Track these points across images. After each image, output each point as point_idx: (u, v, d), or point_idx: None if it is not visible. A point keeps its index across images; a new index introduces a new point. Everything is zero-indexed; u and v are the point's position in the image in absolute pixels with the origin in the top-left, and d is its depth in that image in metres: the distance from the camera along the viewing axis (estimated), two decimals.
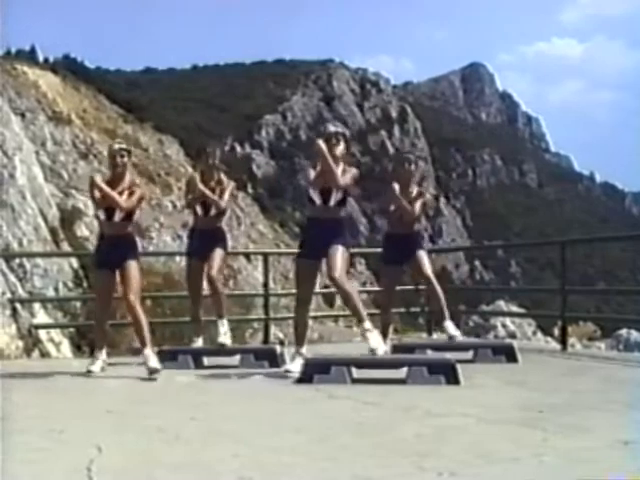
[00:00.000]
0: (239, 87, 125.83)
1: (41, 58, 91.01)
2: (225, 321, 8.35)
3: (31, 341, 10.68)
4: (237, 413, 5.40)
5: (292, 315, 7.82)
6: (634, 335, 16.91)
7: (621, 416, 5.01)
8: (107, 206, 7.79)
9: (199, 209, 8.57)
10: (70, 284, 13.19)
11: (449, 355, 6.93)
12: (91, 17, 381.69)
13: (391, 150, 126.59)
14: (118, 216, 7.82)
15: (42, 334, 11.16)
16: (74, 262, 13.64)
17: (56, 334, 11.66)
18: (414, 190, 8.84)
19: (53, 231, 13.97)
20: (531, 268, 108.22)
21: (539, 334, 21.37)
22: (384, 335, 8.82)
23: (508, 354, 8.07)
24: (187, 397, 6.31)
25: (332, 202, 7.35)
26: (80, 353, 11.44)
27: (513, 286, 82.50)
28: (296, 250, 7.92)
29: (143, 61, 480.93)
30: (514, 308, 20.51)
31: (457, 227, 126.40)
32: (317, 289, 8.81)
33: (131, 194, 7.90)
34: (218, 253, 8.42)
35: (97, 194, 7.81)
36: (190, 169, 41.70)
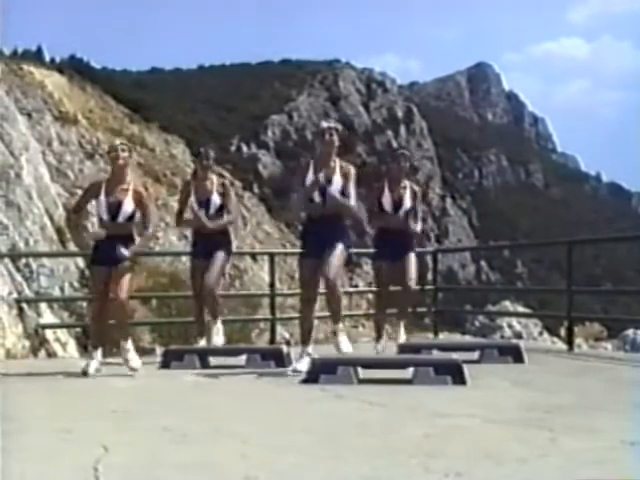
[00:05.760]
0: (245, 87, 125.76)
1: (47, 58, 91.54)
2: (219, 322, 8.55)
3: (37, 341, 10.69)
4: (244, 413, 5.40)
5: (298, 315, 7.81)
6: None
7: (628, 417, 4.99)
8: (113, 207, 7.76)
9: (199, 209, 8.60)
10: (76, 284, 13.19)
11: (455, 355, 6.92)
12: (97, 17, 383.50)
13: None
14: (122, 217, 7.78)
15: (49, 334, 11.17)
16: (80, 262, 13.63)
17: (62, 334, 11.67)
18: (406, 185, 8.73)
19: (59, 231, 13.96)
20: (537, 268, 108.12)
21: (545, 334, 21.32)
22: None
23: (515, 354, 8.06)
24: (193, 397, 6.31)
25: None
26: (87, 353, 11.44)
27: (519, 286, 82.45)
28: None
29: (149, 61, 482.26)
30: (520, 308, 20.50)
31: (463, 227, 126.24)
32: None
33: (138, 195, 7.84)
34: (219, 257, 8.48)
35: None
36: None
